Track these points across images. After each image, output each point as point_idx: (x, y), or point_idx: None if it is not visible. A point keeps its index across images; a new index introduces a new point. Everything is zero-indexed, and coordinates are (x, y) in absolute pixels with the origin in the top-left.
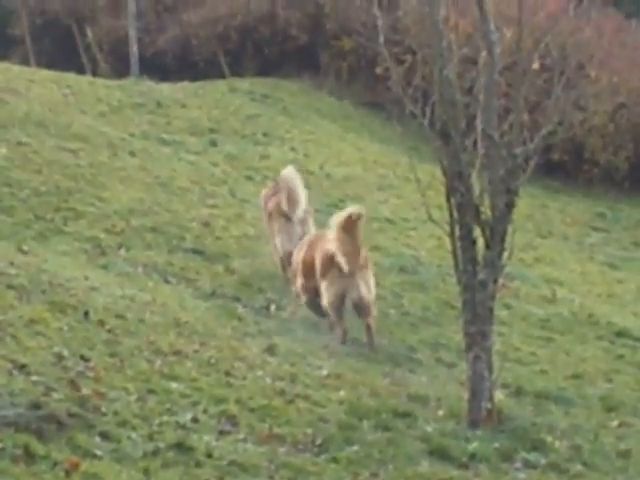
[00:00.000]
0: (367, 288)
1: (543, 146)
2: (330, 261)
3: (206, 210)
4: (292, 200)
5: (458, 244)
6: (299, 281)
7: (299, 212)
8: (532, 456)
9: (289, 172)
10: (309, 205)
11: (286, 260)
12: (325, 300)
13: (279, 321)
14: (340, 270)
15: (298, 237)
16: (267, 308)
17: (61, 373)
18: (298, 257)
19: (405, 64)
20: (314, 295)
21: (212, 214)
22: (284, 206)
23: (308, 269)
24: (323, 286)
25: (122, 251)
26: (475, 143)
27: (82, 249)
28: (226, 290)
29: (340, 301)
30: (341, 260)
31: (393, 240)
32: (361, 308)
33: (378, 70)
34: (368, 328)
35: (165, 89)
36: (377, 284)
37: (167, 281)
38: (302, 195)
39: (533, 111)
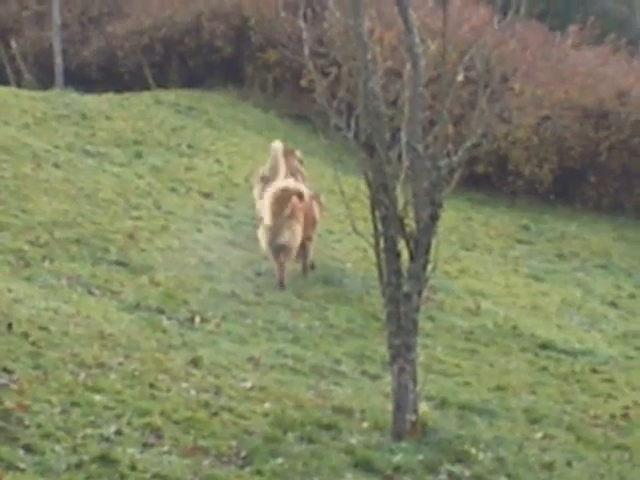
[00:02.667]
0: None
1: (467, 158)
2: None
3: (131, 222)
4: (274, 168)
5: (382, 256)
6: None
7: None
8: (456, 468)
9: (278, 145)
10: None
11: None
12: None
13: (203, 333)
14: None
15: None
16: (191, 320)
17: None
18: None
19: (330, 76)
20: None
21: (137, 226)
22: (266, 171)
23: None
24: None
25: (46, 263)
26: (400, 155)
27: (6, 261)
28: (150, 302)
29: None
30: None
31: (318, 252)
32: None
33: (303, 82)
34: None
35: (90, 101)
36: (301, 295)
37: (91, 293)
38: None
39: (457, 123)
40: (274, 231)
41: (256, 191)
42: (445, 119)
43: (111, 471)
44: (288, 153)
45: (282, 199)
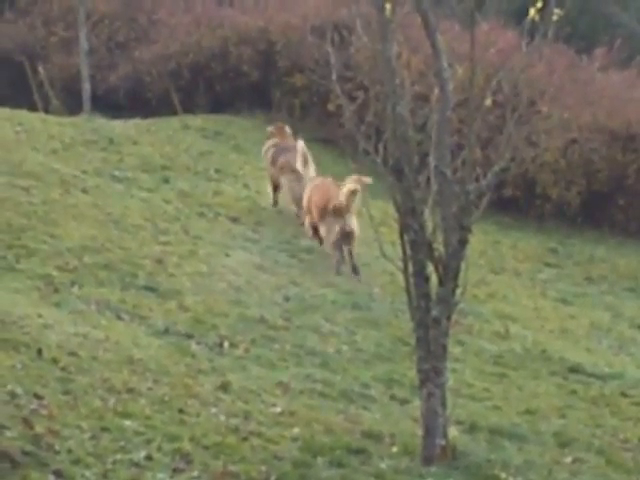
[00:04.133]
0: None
1: (495, 182)
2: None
3: (159, 247)
4: (305, 162)
5: (411, 281)
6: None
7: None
8: None
9: (302, 144)
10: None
11: (297, 204)
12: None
13: (232, 358)
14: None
15: (303, 189)
16: (220, 345)
17: (14, 411)
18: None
19: (357, 101)
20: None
21: (165, 251)
22: (298, 166)
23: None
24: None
25: (75, 288)
26: (428, 180)
27: (35, 286)
28: (179, 327)
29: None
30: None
31: (346, 276)
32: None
33: (330, 107)
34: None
35: (117, 126)
36: (329, 320)
37: (120, 318)
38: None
39: (485, 147)
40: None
41: (287, 180)
42: (473, 143)
43: None
44: (281, 132)
45: (353, 195)
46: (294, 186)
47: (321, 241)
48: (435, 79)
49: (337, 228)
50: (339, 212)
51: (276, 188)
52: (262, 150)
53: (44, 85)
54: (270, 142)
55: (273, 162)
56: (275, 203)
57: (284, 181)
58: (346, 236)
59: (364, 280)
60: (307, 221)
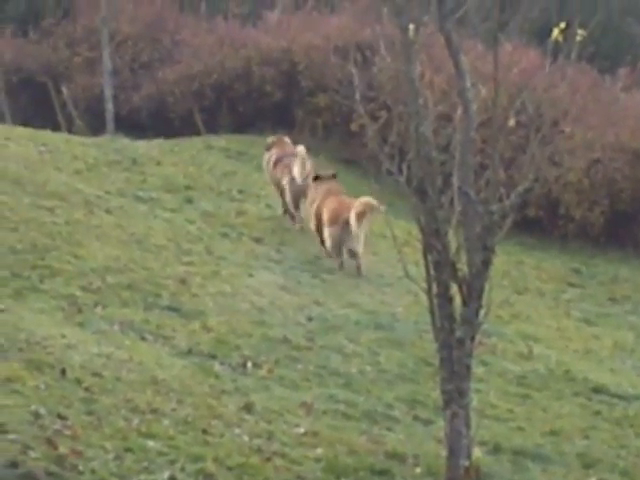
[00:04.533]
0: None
1: (519, 202)
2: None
3: (182, 267)
4: (302, 168)
5: (435, 301)
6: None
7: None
8: None
9: (303, 149)
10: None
11: (292, 204)
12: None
13: (256, 379)
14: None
15: (300, 192)
16: (244, 365)
17: (38, 432)
18: (312, 208)
19: (380, 121)
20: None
21: (188, 271)
22: (295, 170)
23: (318, 218)
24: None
25: (98, 309)
26: (451, 200)
27: (59, 307)
28: (202, 347)
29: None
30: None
31: (369, 297)
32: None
33: (353, 126)
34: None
35: (140, 146)
36: (352, 340)
37: (143, 339)
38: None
39: (509, 167)
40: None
41: (286, 181)
42: (497, 163)
43: None
44: (281, 142)
45: (363, 213)
46: (293, 188)
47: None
48: (458, 99)
49: (339, 237)
50: (347, 226)
51: (283, 194)
52: (263, 161)
53: (68, 105)
54: (270, 152)
55: (274, 168)
56: (285, 211)
57: (283, 183)
58: (351, 253)
59: (387, 300)
60: (313, 224)
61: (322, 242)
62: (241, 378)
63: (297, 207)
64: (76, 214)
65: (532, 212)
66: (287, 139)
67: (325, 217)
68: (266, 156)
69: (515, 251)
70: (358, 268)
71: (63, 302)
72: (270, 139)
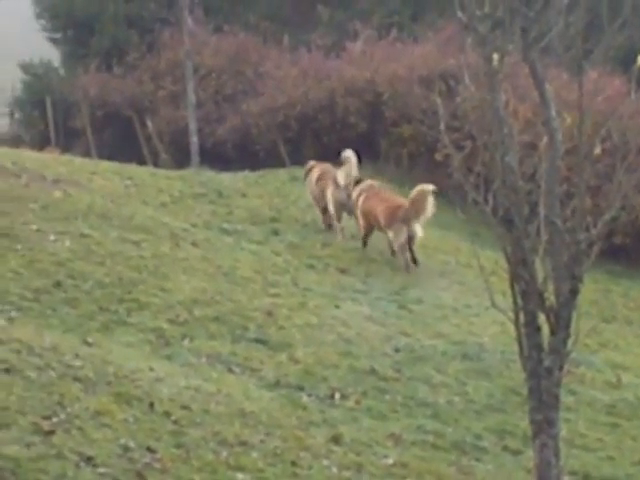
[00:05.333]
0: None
1: (606, 231)
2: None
3: (269, 299)
4: (347, 173)
5: (523, 331)
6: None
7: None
8: None
9: (351, 153)
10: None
11: (337, 212)
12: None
13: (344, 410)
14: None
15: (343, 198)
16: (331, 397)
17: (128, 465)
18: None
19: (465, 150)
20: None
21: (275, 303)
22: (340, 179)
23: (366, 215)
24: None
25: (186, 341)
26: (538, 229)
27: (146, 340)
28: (290, 379)
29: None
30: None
31: (456, 327)
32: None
33: (438, 156)
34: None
35: (226, 179)
36: (440, 371)
37: (231, 371)
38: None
39: (595, 195)
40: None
41: (330, 191)
42: (583, 192)
43: None
44: (320, 165)
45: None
46: (336, 194)
47: (365, 243)
48: (543, 128)
49: (405, 233)
50: (407, 218)
51: (325, 211)
52: (306, 181)
53: (153, 139)
54: (311, 174)
55: (316, 184)
56: (328, 226)
57: (327, 192)
58: (411, 239)
59: (474, 330)
60: (362, 223)
61: (364, 243)
62: (329, 409)
63: (339, 219)
64: (162, 247)
65: (619, 240)
66: (328, 165)
67: (382, 220)
68: (307, 179)
69: (602, 279)
70: (414, 260)
71: (151, 335)
72: (309, 164)
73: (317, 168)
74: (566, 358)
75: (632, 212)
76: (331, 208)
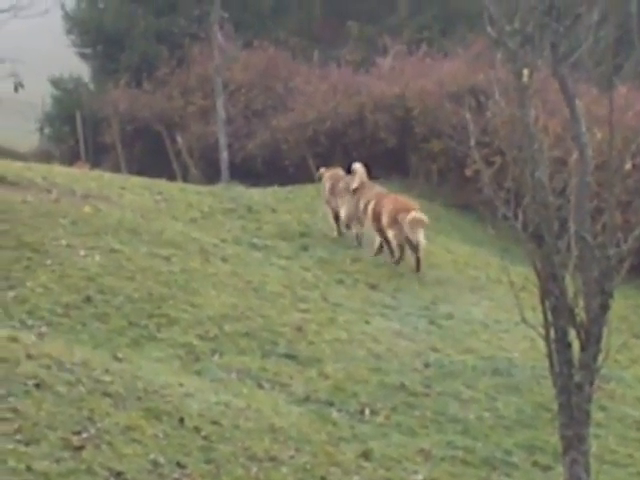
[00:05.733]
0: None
1: (636, 246)
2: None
3: (298, 314)
4: (362, 183)
5: (553, 346)
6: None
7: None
8: None
9: (360, 166)
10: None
11: (348, 222)
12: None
13: (373, 425)
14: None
15: (355, 207)
16: (361, 412)
17: None
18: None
19: (495, 165)
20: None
21: (304, 318)
22: (353, 186)
23: (376, 218)
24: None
25: (216, 357)
26: (568, 245)
27: (176, 355)
28: (320, 395)
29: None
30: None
31: (486, 342)
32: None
33: (468, 172)
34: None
35: (255, 194)
36: (469, 386)
37: (261, 386)
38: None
39: (625, 211)
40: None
41: (344, 200)
42: (613, 207)
43: None
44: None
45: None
46: (350, 205)
47: (387, 242)
48: (573, 143)
49: (402, 235)
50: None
51: (337, 218)
52: (321, 187)
53: (182, 154)
54: (324, 181)
55: (332, 191)
56: (339, 233)
57: (341, 202)
58: (414, 248)
59: (504, 346)
60: (373, 226)
61: (386, 243)
62: (359, 425)
63: (349, 226)
64: (192, 262)
65: None
66: (339, 169)
67: (385, 220)
68: (322, 183)
69: (633, 295)
70: (417, 263)
71: (180, 350)
72: (320, 172)
73: (329, 175)
74: (596, 374)
75: None
76: (343, 217)
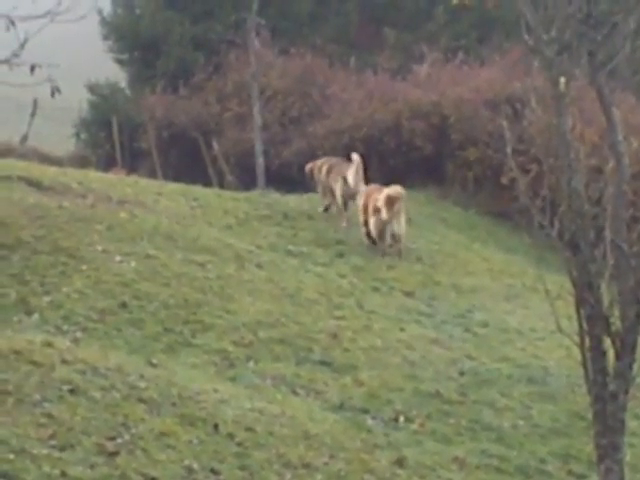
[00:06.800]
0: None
1: None
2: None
3: (333, 322)
4: (357, 173)
5: (588, 355)
6: (361, 217)
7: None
8: None
9: (357, 156)
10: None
11: (343, 205)
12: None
13: (408, 433)
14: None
15: (350, 195)
16: (396, 420)
17: None
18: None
19: (531, 174)
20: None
21: (340, 325)
22: (349, 177)
23: (364, 210)
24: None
25: (251, 363)
26: (604, 254)
27: (211, 361)
28: (354, 402)
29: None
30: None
31: (521, 351)
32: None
33: (504, 180)
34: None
35: (291, 201)
36: (504, 394)
37: (295, 393)
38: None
39: None
40: (389, 222)
41: (338, 185)
42: None
43: None
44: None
45: (392, 200)
46: (343, 188)
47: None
48: (610, 152)
49: (380, 224)
50: (378, 212)
51: (325, 195)
52: (316, 170)
53: (218, 160)
54: (320, 162)
55: (328, 173)
56: (326, 209)
57: (335, 185)
58: (393, 237)
59: (539, 354)
60: (361, 218)
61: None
62: (393, 432)
63: (345, 207)
64: (227, 269)
65: None
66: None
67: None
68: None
69: None
70: (399, 252)
71: (215, 357)
72: (308, 166)
73: (326, 164)
74: (632, 382)
75: None
76: (338, 198)
